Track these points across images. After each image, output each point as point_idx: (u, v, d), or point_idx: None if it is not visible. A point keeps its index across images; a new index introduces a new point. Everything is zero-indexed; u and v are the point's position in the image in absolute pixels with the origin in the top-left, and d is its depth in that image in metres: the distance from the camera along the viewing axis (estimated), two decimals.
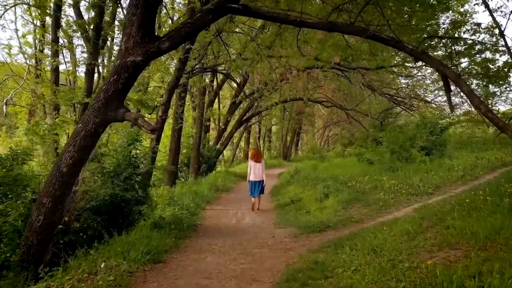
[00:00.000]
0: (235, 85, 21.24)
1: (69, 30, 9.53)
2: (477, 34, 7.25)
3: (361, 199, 9.27)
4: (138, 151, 7.56)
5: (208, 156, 18.55)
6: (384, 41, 5.14)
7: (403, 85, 18.54)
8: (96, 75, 9.51)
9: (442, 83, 5.18)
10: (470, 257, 4.31)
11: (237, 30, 11.80)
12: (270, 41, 9.18)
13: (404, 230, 5.78)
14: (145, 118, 5.13)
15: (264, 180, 10.15)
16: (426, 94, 18.45)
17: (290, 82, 19.65)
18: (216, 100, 21.81)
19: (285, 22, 5.47)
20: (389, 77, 19.85)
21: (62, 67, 12.49)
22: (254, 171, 10.08)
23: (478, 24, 6.74)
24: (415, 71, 19.45)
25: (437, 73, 16.88)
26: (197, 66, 11.74)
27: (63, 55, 12.30)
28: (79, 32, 8.65)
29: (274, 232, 7.52)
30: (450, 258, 4.38)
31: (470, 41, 6.50)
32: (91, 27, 8.11)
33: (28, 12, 11.83)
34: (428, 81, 19.58)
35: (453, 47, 6.00)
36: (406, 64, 13.69)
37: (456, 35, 6.78)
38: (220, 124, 20.45)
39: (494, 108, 12.90)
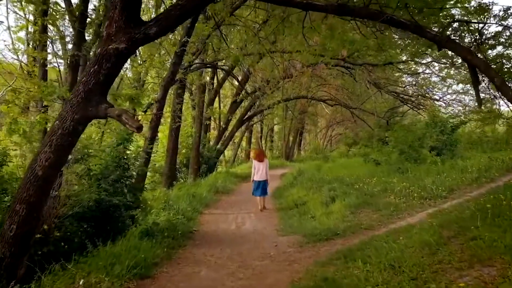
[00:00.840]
0: (236, 83, 20.65)
1: (56, 21, 8.92)
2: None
3: (370, 203, 8.62)
4: (129, 152, 6.95)
5: (208, 156, 17.93)
6: (402, 25, 4.50)
7: (411, 83, 17.85)
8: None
9: (469, 75, 4.53)
10: (508, 277, 3.67)
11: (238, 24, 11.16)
12: (273, 28, 8.51)
13: (423, 241, 5.14)
14: (131, 114, 4.51)
15: (268, 180, 10.10)
16: (434, 92, 17.75)
17: (293, 80, 19.04)
18: (217, 99, 21.20)
19: (290, 5, 4.84)
20: (395, 74, 19.19)
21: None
22: (259, 171, 10.03)
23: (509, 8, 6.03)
24: (421, 69, 18.84)
25: (447, 69, 16.29)
26: (195, 61, 11.12)
27: (53, 48, 11.71)
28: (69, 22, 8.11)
29: (276, 240, 6.88)
30: (484, 278, 3.74)
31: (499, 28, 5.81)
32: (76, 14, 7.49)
33: (17, 5, 11.25)
34: (434, 79, 18.86)
35: (481, 34, 5.33)
36: (416, 60, 13.00)
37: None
38: (221, 123, 19.81)
39: None
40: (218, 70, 20.90)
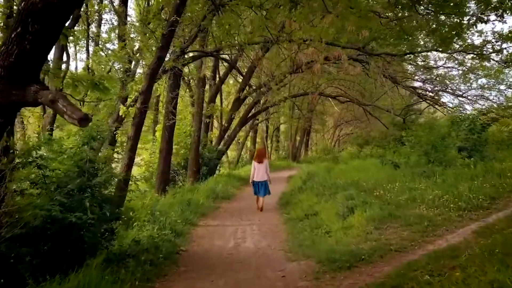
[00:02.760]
0: (239, 79, 19.25)
1: None
2: None
3: (398, 215, 7.11)
4: (99, 154, 5.55)
5: (209, 157, 16.50)
6: None
7: (430, 77, 16.21)
8: None
9: None
10: None
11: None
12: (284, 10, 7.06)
13: (492, 281, 3.64)
14: (69, 101, 3.08)
15: (268, 180, 10.05)
16: (455, 87, 16.10)
17: (301, 76, 17.60)
18: (218, 96, 19.81)
19: None
20: (413, 69, 17.63)
21: None
22: (258, 172, 9.97)
23: None
24: (441, 62, 17.24)
25: (473, 61, 14.69)
26: (188, 49, 9.66)
27: None
28: None
29: (284, 266, 5.41)
30: None
31: None
32: None
33: None
34: (454, 72, 17.15)
35: None
36: (443, 47, 11.42)
37: None
38: (223, 122, 18.39)
39: None
40: (220, 64, 19.55)
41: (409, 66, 18.31)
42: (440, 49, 12.59)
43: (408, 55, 11.93)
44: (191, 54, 11.25)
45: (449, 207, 7.24)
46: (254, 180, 9.93)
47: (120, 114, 8.07)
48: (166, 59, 8.84)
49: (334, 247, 6.06)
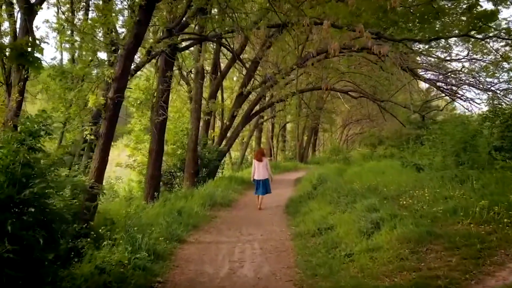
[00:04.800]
0: (242, 74, 17.79)
1: None
2: None
3: (438, 233, 5.57)
4: (39, 155, 4.10)
5: (209, 158, 15.03)
6: None
7: (454, 68, 14.59)
8: None
9: None
10: None
11: None
12: None
13: None
14: None
15: (270, 178, 10.29)
16: (481, 79, 14.38)
17: (311, 68, 16.10)
18: (220, 93, 18.36)
19: None
20: (430, 60, 15.99)
21: None
22: (258, 170, 10.19)
23: None
24: (464, 54, 15.59)
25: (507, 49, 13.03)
26: (178, 30, 8.17)
27: None
28: None
29: None
30: None
31: None
32: None
33: None
34: (479, 64, 15.43)
35: None
36: (474, 32, 9.82)
37: None
38: (224, 119, 16.93)
39: None
40: (221, 57, 18.10)
41: (429, 58, 16.72)
42: (468, 36, 10.94)
43: (435, 40, 10.35)
44: (186, 42, 9.75)
45: (503, 223, 5.67)
46: (255, 178, 10.20)
47: (90, 105, 6.63)
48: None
49: (359, 279, 4.55)
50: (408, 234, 5.51)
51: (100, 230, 6.00)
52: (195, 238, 7.00)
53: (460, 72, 14.21)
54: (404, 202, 7.61)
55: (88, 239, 5.68)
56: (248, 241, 6.85)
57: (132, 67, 7.83)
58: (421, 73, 14.14)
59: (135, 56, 7.40)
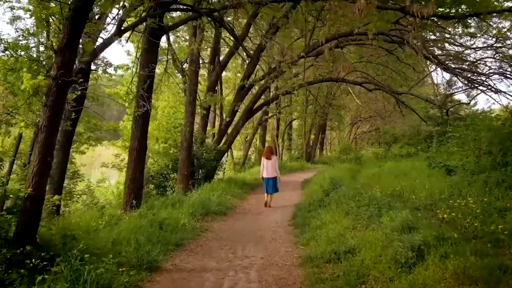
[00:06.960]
0: (245, 60, 16.15)
1: None
2: None
3: (507, 265, 3.88)
4: None
5: (206, 158, 13.43)
6: None
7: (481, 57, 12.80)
8: None
9: None
10: None
11: None
12: None
13: None
14: None
15: (278, 177, 10.22)
16: None
17: (320, 59, 14.51)
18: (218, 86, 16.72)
19: None
20: (460, 49, 14.23)
21: None
22: (267, 168, 10.14)
23: None
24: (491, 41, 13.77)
25: None
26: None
27: None
28: None
29: None
30: None
31: None
32: None
33: None
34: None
35: None
36: None
37: None
38: (223, 114, 15.31)
39: None
40: (221, 47, 16.50)
41: (448, 48, 14.99)
42: None
43: (474, 16, 8.59)
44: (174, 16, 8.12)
45: None
46: (264, 176, 10.13)
47: (23, 88, 5.02)
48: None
49: None
50: (470, 267, 3.83)
51: (44, 254, 4.45)
52: (174, 264, 5.36)
53: (490, 60, 12.43)
54: (445, 216, 5.91)
55: (22, 270, 4.18)
56: (243, 268, 5.20)
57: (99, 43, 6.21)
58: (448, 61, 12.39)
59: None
